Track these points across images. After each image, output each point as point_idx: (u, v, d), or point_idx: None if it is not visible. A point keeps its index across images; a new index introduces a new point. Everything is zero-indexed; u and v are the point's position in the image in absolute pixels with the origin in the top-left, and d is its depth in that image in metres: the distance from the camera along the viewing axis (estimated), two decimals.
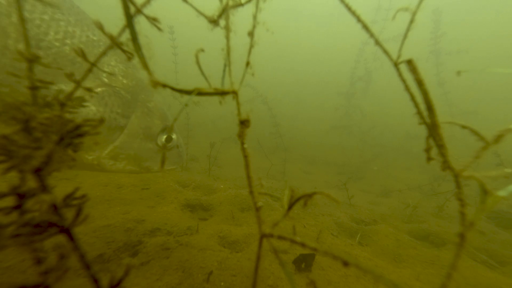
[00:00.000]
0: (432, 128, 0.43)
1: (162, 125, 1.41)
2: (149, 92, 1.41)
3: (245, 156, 0.44)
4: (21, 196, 0.44)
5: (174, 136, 1.44)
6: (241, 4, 0.47)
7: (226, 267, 1.53)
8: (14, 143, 0.42)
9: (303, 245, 0.44)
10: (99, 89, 1.19)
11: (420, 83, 0.41)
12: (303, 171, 5.03)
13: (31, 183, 0.45)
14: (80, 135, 0.47)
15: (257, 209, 0.45)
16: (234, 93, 0.43)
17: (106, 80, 1.22)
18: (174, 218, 2.05)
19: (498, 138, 0.42)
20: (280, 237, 0.46)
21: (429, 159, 0.47)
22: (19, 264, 1.35)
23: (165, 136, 1.41)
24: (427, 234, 2.42)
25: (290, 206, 0.43)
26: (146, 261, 1.50)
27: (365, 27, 0.44)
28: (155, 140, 1.39)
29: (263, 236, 0.47)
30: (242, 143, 0.43)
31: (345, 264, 0.40)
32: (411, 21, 0.43)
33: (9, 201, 0.47)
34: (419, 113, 0.45)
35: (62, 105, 0.48)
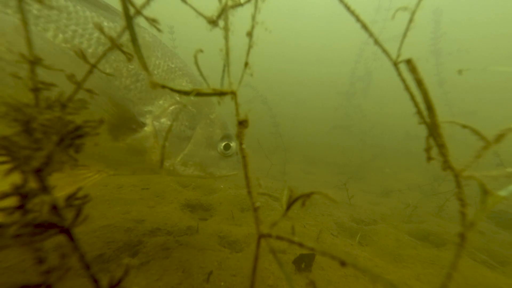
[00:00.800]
0: (432, 128, 0.43)
1: (221, 134, 1.55)
2: (211, 105, 1.58)
3: (244, 157, 0.44)
4: (23, 196, 0.44)
5: (232, 144, 1.57)
6: (240, 4, 0.47)
7: (226, 267, 1.52)
8: (15, 144, 0.42)
9: (301, 245, 0.43)
10: (172, 107, 1.40)
11: (419, 82, 0.41)
12: (303, 171, 5.03)
13: (32, 183, 0.45)
14: (80, 136, 0.47)
15: (255, 210, 0.45)
16: (233, 93, 0.43)
17: (178, 98, 1.43)
18: (174, 218, 2.05)
19: (499, 138, 0.42)
20: (278, 237, 0.46)
21: (429, 158, 0.47)
22: (19, 264, 1.35)
23: (224, 144, 1.54)
24: (427, 234, 2.42)
25: (289, 206, 0.43)
26: (146, 261, 1.50)
27: (364, 26, 0.44)
28: (216, 148, 1.55)
29: (261, 236, 0.47)
30: (241, 144, 0.43)
31: (342, 263, 0.40)
32: (410, 20, 0.43)
33: (6, 201, 0.47)
34: (419, 112, 0.45)
35: (63, 106, 0.49)
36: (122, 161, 1.39)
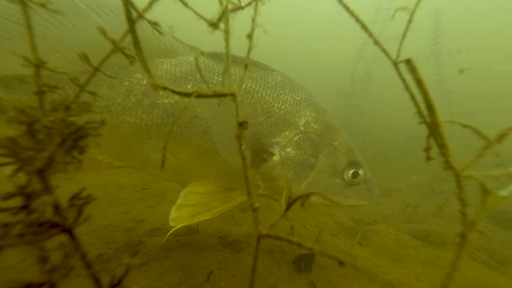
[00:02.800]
0: (433, 128, 0.43)
1: (346, 161, 1.55)
2: (335, 132, 1.61)
3: (243, 157, 0.44)
4: (27, 196, 0.44)
5: (361, 172, 1.56)
6: (241, 7, 0.47)
7: (226, 267, 1.53)
8: (19, 145, 0.42)
9: (300, 245, 0.44)
10: (296, 137, 1.50)
11: (419, 82, 0.41)
12: None
13: (35, 183, 0.46)
14: (82, 137, 0.47)
15: (254, 210, 0.45)
16: (233, 95, 0.43)
17: (302, 128, 1.52)
18: None
19: (501, 137, 0.42)
20: (277, 238, 0.46)
21: (429, 158, 0.47)
22: (19, 264, 1.35)
23: (351, 172, 1.53)
24: (427, 234, 2.42)
25: (288, 207, 0.43)
26: (146, 261, 1.50)
27: (364, 27, 0.44)
28: (341, 175, 1.54)
29: (260, 236, 0.47)
30: (240, 144, 0.43)
31: (341, 263, 0.40)
32: (410, 20, 0.43)
33: (5, 201, 0.47)
34: (419, 112, 0.45)
35: (67, 108, 0.49)
36: (263, 186, 1.52)
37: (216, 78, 1.48)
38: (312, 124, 1.54)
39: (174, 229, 1.37)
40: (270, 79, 1.55)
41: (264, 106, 1.49)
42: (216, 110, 1.34)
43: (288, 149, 1.48)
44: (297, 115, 1.53)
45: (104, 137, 1.42)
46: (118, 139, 1.42)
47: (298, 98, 1.56)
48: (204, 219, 1.38)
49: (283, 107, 1.51)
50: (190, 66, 1.47)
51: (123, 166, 1.54)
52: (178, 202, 1.43)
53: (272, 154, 1.47)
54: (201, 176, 1.51)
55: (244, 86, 1.49)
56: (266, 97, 1.50)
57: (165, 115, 1.41)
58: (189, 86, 1.43)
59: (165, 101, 1.41)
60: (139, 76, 1.42)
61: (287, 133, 1.49)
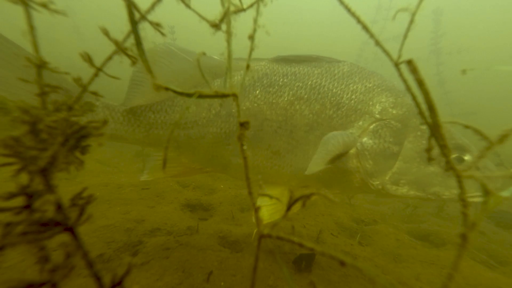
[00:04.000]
0: (434, 128, 0.43)
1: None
2: None
3: (244, 158, 0.44)
4: (29, 196, 0.44)
5: (467, 157, 1.40)
6: (243, 10, 0.47)
7: (226, 267, 1.53)
8: (22, 144, 0.42)
9: (300, 245, 0.44)
10: (372, 126, 1.44)
11: (420, 83, 0.41)
12: None
13: (39, 183, 0.46)
14: (84, 136, 0.47)
15: (256, 210, 0.45)
16: (234, 95, 0.43)
17: (378, 115, 1.46)
18: (174, 218, 2.05)
19: (503, 138, 0.42)
20: (278, 238, 0.46)
21: (430, 159, 0.47)
22: (19, 264, 1.35)
23: (454, 157, 1.41)
24: (427, 234, 2.42)
25: (289, 207, 0.43)
26: (146, 261, 1.50)
27: (365, 27, 0.44)
28: (438, 162, 1.40)
29: (261, 236, 0.47)
30: (242, 145, 0.43)
31: (342, 264, 0.40)
32: (411, 21, 0.43)
33: (5, 201, 0.47)
34: (420, 113, 0.45)
35: (70, 109, 0.49)
36: (334, 181, 1.51)
37: (281, 79, 1.54)
38: (390, 109, 1.47)
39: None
40: (336, 71, 1.54)
41: (332, 99, 1.48)
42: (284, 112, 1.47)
43: (364, 139, 1.42)
44: (370, 103, 1.48)
45: (194, 148, 1.60)
46: (205, 148, 1.58)
47: (370, 85, 1.51)
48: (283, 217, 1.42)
49: (353, 97, 1.48)
50: (256, 73, 1.58)
51: (211, 171, 1.68)
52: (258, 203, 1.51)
53: None
54: (276, 175, 1.55)
55: (310, 82, 1.51)
56: (334, 90, 1.49)
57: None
58: (257, 91, 1.53)
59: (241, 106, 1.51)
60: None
61: (360, 123, 1.45)
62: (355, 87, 1.51)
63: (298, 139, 1.48)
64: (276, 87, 1.53)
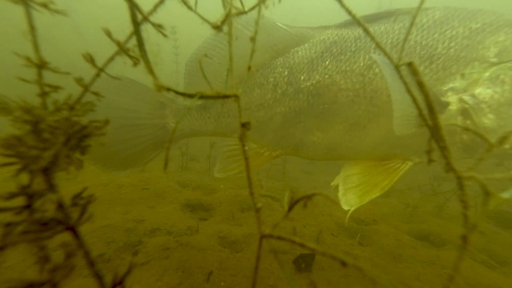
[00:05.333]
0: (434, 130, 0.44)
1: None
2: None
3: (246, 158, 0.44)
4: (29, 196, 0.44)
5: None
6: (245, 12, 0.47)
7: (226, 267, 1.53)
8: (24, 144, 0.42)
9: (302, 245, 0.44)
10: (488, 72, 1.21)
11: (421, 85, 0.41)
12: (303, 171, 5.03)
13: (41, 183, 0.46)
14: (86, 136, 0.47)
15: (257, 210, 0.45)
16: (236, 96, 0.43)
17: (494, 59, 1.23)
18: (174, 218, 2.05)
19: (502, 140, 0.42)
20: (280, 238, 0.47)
21: (430, 161, 0.47)
22: (19, 264, 1.35)
23: None
24: (427, 234, 2.42)
25: (291, 208, 0.43)
26: (146, 261, 1.50)
27: (366, 30, 0.44)
28: None
29: (262, 236, 0.47)
30: (243, 145, 0.43)
31: (343, 264, 0.41)
32: (412, 23, 0.43)
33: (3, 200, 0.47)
34: (420, 114, 0.45)
35: (71, 108, 0.49)
36: (424, 146, 1.33)
37: (354, 44, 1.43)
38: None
39: (350, 212, 1.35)
40: (424, 20, 1.36)
41: (422, 53, 1.31)
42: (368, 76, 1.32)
43: (478, 90, 1.21)
44: (480, 47, 1.27)
45: (262, 131, 1.58)
46: (274, 130, 1.55)
47: (477, 26, 1.29)
48: (376, 196, 1.33)
49: (452, 44, 1.29)
50: (324, 43, 1.50)
51: (280, 155, 1.64)
52: (341, 188, 1.43)
53: (446, 104, 1.24)
54: (356, 149, 1.47)
55: (390, 40, 1.36)
56: (423, 42, 1.32)
57: (310, 97, 1.46)
58: (327, 62, 1.45)
59: (307, 83, 1.46)
60: (280, 69, 1.53)
61: (467, 71, 1.24)
62: (454, 32, 1.30)
63: (380, 105, 1.34)
64: (349, 53, 1.43)
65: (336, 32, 1.51)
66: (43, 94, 0.54)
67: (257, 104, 1.55)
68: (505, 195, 0.40)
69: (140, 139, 1.67)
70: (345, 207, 1.36)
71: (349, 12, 0.44)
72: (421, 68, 1.31)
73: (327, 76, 1.44)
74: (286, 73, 1.52)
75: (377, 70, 1.35)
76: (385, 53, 0.44)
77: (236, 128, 1.62)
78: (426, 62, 1.31)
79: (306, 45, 1.55)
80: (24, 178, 0.50)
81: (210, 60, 1.58)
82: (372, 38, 0.43)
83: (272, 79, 1.54)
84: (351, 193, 1.39)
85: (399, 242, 2.18)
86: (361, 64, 1.39)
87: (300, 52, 1.54)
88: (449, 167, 0.43)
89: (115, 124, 1.57)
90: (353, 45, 1.44)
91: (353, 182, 1.43)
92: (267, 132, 1.58)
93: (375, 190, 1.36)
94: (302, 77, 1.49)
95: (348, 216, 1.39)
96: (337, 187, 1.49)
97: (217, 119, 1.62)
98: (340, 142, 1.47)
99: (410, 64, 0.40)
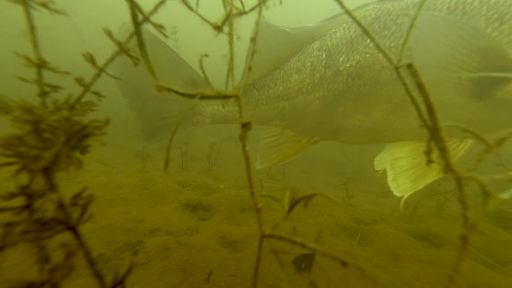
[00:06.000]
0: (433, 131, 0.44)
1: None
2: None
3: (247, 158, 0.44)
4: (30, 196, 0.44)
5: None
6: (245, 12, 0.47)
7: (226, 267, 1.53)
8: (25, 143, 0.43)
9: (303, 245, 0.44)
10: None
11: (421, 86, 0.41)
12: (303, 171, 5.04)
13: (41, 183, 0.46)
14: (86, 136, 0.47)
15: (258, 210, 0.45)
16: (236, 97, 0.43)
17: None
18: (174, 218, 2.05)
19: (501, 141, 0.42)
20: (280, 238, 0.47)
21: (429, 161, 0.47)
22: (19, 264, 1.35)
23: None
24: (427, 234, 2.42)
25: (291, 208, 0.43)
26: (146, 261, 1.50)
27: (366, 31, 0.44)
28: None
29: (263, 236, 0.47)
30: (244, 145, 0.43)
31: (344, 264, 0.41)
32: (411, 26, 0.43)
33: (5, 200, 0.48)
34: (420, 116, 0.45)
35: (71, 108, 0.49)
36: (490, 122, 1.22)
37: (400, 18, 1.32)
38: None
39: (404, 198, 1.27)
40: None
41: (489, 14, 1.16)
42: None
43: None
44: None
45: (300, 117, 1.55)
46: (312, 115, 1.51)
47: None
48: (432, 180, 1.25)
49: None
50: (364, 21, 1.43)
51: (319, 141, 1.61)
52: (390, 173, 1.37)
53: None
54: (402, 129, 1.38)
55: (446, 6, 1.23)
56: (491, 1, 1.18)
57: (350, 79, 1.41)
58: (368, 40, 1.39)
59: (347, 65, 1.41)
60: (317, 53, 1.50)
61: None
62: None
63: (431, 77, 1.20)
64: (393, 28, 1.34)
65: (378, 7, 1.43)
66: (43, 94, 0.54)
67: (295, 90, 1.52)
68: (504, 195, 0.40)
69: (170, 113, 1.67)
70: (397, 194, 1.29)
71: (348, 13, 0.44)
72: (488, 31, 1.15)
73: (368, 55, 1.36)
74: (323, 56, 1.47)
75: (430, 41, 1.20)
76: (385, 54, 0.44)
77: (274, 115, 1.60)
78: (497, 23, 1.16)
79: (344, 25, 1.50)
80: (24, 178, 0.50)
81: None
82: (372, 39, 0.43)
83: (309, 64, 1.51)
84: (402, 178, 1.33)
85: (399, 242, 2.18)
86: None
87: (338, 33, 1.49)
88: (448, 168, 0.43)
89: (149, 96, 1.60)
90: (400, 18, 1.35)
91: (402, 166, 1.36)
92: (305, 119, 1.55)
93: (431, 174, 1.28)
94: (340, 59, 1.44)
95: (402, 203, 1.28)
96: (384, 172, 1.44)
97: (254, 106, 1.61)
98: (384, 123, 1.40)
99: (409, 66, 0.40)
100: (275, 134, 1.70)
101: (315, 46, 1.54)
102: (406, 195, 1.28)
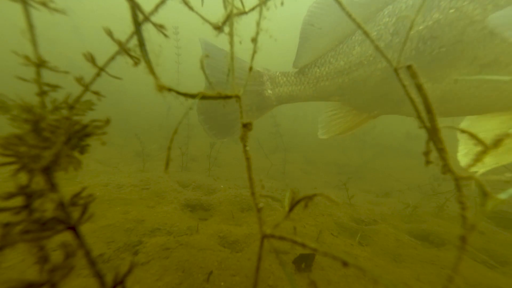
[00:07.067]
0: (432, 132, 0.44)
1: None
2: None
3: (247, 158, 0.44)
4: (29, 196, 0.44)
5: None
6: (245, 12, 0.47)
7: (226, 267, 1.53)
8: (25, 143, 0.43)
9: (303, 245, 0.44)
10: None
11: (420, 87, 0.41)
12: (303, 171, 5.04)
13: (40, 182, 0.46)
14: (87, 135, 0.47)
15: (258, 210, 0.45)
16: (237, 97, 0.43)
17: None
18: (174, 218, 2.05)
19: (497, 143, 0.42)
20: (281, 238, 0.47)
21: (428, 162, 0.47)
22: (19, 264, 1.35)
23: None
24: (427, 234, 2.42)
25: (291, 208, 0.43)
26: (146, 261, 1.50)
27: (365, 32, 0.44)
28: None
29: (264, 236, 0.47)
30: (245, 146, 0.43)
31: (345, 264, 0.41)
32: (410, 28, 0.43)
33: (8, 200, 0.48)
34: (419, 117, 0.45)
35: (71, 108, 0.49)
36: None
37: None
38: None
39: (481, 171, 1.13)
40: None
41: None
42: None
43: None
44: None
45: (360, 91, 1.52)
46: (372, 88, 1.46)
47: None
48: None
49: None
50: (405, 3, 1.38)
51: (379, 115, 1.59)
52: (463, 148, 1.23)
53: None
54: (488, 97, 1.18)
55: None
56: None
57: (421, 43, 1.29)
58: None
59: (420, 27, 1.28)
60: (387, 19, 1.43)
61: None
62: None
63: None
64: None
65: None
66: (42, 93, 0.54)
67: (356, 63, 1.48)
68: (502, 196, 0.40)
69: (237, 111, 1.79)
70: (472, 169, 1.18)
71: (348, 15, 0.44)
72: None
73: (452, 11, 1.19)
74: (392, 21, 1.38)
75: None
76: (384, 56, 0.44)
77: (334, 91, 1.59)
78: None
79: (390, 7, 1.45)
80: (24, 178, 0.50)
81: (311, 27, 1.57)
82: (372, 41, 0.43)
83: (375, 33, 1.45)
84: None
85: (399, 242, 2.18)
86: None
87: (386, 11, 1.42)
88: (446, 169, 0.43)
89: (215, 105, 1.71)
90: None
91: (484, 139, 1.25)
92: (364, 92, 1.50)
93: None
94: (413, 22, 1.34)
95: (480, 173, 1.11)
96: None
97: (315, 83, 1.61)
98: (461, 90, 1.21)
99: (409, 67, 0.40)
100: (335, 108, 1.72)
101: (386, 12, 1.45)
102: (485, 169, 1.14)
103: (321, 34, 1.57)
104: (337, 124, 1.70)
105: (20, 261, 1.37)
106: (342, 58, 1.51)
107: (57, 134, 0.44)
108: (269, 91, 1.73)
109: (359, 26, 0.48)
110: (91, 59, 0.49)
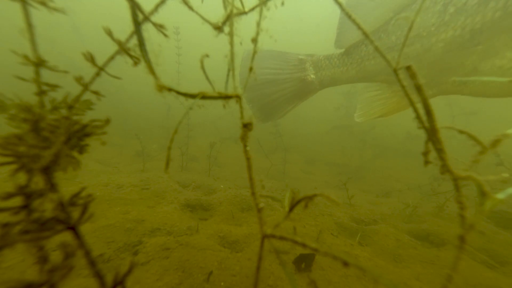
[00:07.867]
0: (431, 133, 0.44)
1: None
2: None
3: (248, 158, 0.44)
4: (28, 196, 0.44)
5: None
6: (245, 12, 0.47)
7: (226, 267, 1.53)
8: (24, 142, 0.42)
9: (304, 245, 0.44)
10: None
11: (419, 88, 0.41)
12: (303, 171, 5.04)
13: (38, 182, 0.46)
14: (86, 135, 0.47)
15: (259, 210, 0.45)
16: (238, 97, 0.43)
17: None
18: (174, 218, 2.05)
19: (495, 143, 0.42)
20: (282, 238, 0.47)
21: (426, 162, 0.47)
22: (19, 264, 1.35)
23: None
24: (427, 234, 2.42)
25: (292, 208, 0.43)
26: (146, 261, 1.50)
27: (365, 34, 0.44)
28: None
29: (264, 236, 0.47)
30: (245, 146, 0.43)
31: (345, 264, 0.41)
32: (410, 29, 0.43)
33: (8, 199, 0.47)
34: (418, 117, 0.45)
35: (70, 107, 0.49)
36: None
37: None
38: None
39: None
40: None
41: None
42: None
43: None
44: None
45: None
46: (429, 64, 1.29)
47: None
48: None
49: None
50: None
51: (434, 96, 1.44)
52: None
53: None
54: None
55: None
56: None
57: (509, 3, 1.12)
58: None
59: None
60: None
61: None
62: None
63: None
64: None
65: None
66: (41, 93, 0.54)
67: (411, 37, 1.32)
68: (501, 195, 0.40)
69: (284, 92, 1.75)
70: None
71: (350, 17, 0.44)
72: None
73: None
74: None
75: None
76: (384, 57, 0.44)
77: (380, 70, 1.49)
78: None
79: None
80: (23, 178, 0.50)
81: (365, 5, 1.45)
82: (371, 42, 0.43)
83: (441, 3, 1.24)
84: None
85: (399, 242, 2.18)
86: None
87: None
88: (445, 169, 0.43)
89: (263, 81, 1.72)
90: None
91: None
92: (420, 68, 1.34)
93: None
94: None
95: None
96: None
97: (360, 63, 1.54)
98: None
99: (408, 68, 0.40)
100: (379, 88, 1.66)
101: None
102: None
103: (370, 7, 1.46)
104: (380, 105, 1.62)
105: (19, 261, 1.37)
106: (393, 32, 1.37)
107: (56, 133, 0.44)
108: (312, 76, 1.75)
109: (363, 33, 0.48)
110: (90, 58, 0.49)
